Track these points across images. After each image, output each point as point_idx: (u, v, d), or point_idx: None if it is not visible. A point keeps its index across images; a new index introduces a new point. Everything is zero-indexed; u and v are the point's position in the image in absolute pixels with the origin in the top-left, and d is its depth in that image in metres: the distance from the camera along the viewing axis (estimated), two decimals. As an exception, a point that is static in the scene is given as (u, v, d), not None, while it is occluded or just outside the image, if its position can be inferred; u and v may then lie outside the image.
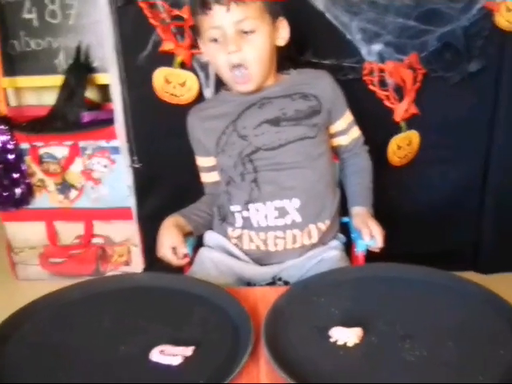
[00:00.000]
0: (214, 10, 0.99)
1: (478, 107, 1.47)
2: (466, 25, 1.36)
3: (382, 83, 1.41)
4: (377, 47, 1.38)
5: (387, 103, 1.41)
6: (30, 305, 0.79)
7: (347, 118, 1.15)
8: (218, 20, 1.00)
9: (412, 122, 1.45)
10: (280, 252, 1.04)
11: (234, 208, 1.07)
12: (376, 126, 1.38)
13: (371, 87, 1.40)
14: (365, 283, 0.83)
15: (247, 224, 1.06)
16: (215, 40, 1.02)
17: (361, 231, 1.04)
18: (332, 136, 1.15)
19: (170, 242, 1.01)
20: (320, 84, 1.11)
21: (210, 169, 1.17)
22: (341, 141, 1.16)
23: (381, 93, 1.40)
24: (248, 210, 1.05)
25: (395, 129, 1.45)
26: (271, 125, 1.06)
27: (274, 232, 1.03)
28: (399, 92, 1.42)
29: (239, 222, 1.07)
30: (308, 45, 1.38)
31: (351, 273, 0.89)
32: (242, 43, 1.00)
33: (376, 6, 1.36)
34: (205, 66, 1.41)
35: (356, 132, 1.18)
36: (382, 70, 1.39)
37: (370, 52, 1.38)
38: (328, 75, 1.14)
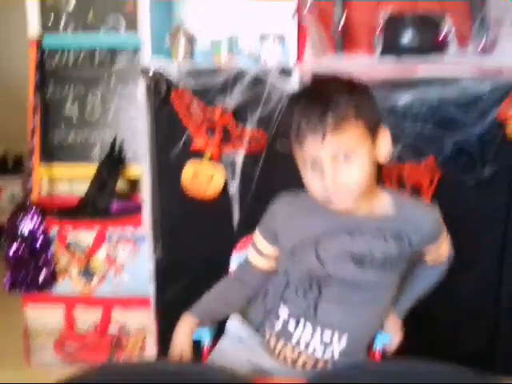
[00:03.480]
0: (309, 140, 0.98)
1: (493, 210, 1.59)
2: (480, 132, 1.52)
3: (400, 184, 1.56)
4: (395, 149, 1.56)
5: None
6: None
7: (440, 245, 1.15)
8: (314, 150, 0.98)
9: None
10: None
11: (283, 312, 1.09)
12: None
13: (389, 187, 1.54)
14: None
15: (287, 334, 1.08)
16: (311, 167, 1.01)
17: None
18: (420, 255, 1.16)
19: (180, 350, 1.07)
20: (423, 227, 1.08)
21: (266, 256, 1.17)
22: (423, 256, 1.17)
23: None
24: (296, 322, 1.07)
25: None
26: (354, 261, 1.04)
27: (309, 356, 1.06)
28: (416, 193, 1.55)
29: (279, 326, 1.09)
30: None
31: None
32: (338, 170, 0.98)
33: (395, 113, 1.54)
34: (232, 163, 1.59)
35: (445, 253, 1.19)
36: (400, 171, 1.55)
37: (389, 154, 1.55)
38: (435, 213, 1.11)
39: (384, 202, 1.09)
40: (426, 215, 1.09)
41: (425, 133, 1.54)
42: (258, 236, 1.19)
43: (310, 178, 1.02)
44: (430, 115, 1.53)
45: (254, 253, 1.19)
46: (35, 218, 1.75)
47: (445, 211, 1.56)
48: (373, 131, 1.01)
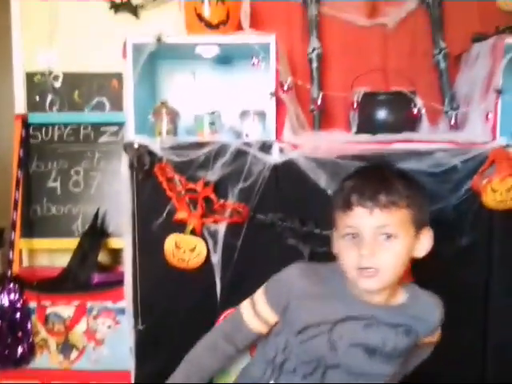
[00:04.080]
0: (356, 211, 1.03)
1: (473, 279, 1.62)
2: (456, 203, 1.58)
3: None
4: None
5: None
6: None
7: (436, 336, 1.19)
8: (359, 221, 1.03)
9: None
10: None
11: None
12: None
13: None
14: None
15: None
16: (350, 237, 1.05)
17: None
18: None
19: None
20: (430, 322, 1.13)
21: (264, 320, 1.15)
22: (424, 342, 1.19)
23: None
24: None
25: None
26: (366, 352, 1.06)
27: None
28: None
29: None
30: (311, 217, 1.61)
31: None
32: (377, 248, 1.02)
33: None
34: (214, 234, 1.61)
35: (438, 337, 1.21)
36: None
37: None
38: (441, 307, 1.15)
39: (401, 294, 1.13)
40: (435, 310, 1.14)
41: (402, 204, 1.60)
42: (260, 297, 1.16)
43: (345, 247, 1.06)
44: (406, 187, 1.59)
45: (251, 313, 1.16)
46: (14, 291, 1.73)
47: (424, 282, 1.61)
48: (418, 226, 1.07)
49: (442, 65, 1.91)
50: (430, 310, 1.13)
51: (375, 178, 1.06)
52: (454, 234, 1.59)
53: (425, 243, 1.10)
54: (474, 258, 1.62)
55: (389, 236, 1.02)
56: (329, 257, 1.54)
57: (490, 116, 1.65)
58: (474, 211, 1.59)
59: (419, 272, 1.57)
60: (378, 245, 1.02)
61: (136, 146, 1.62)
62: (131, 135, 1.67)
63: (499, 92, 1.64)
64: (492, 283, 1.64)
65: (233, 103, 1.85)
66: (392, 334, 1.07)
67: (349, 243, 1.05)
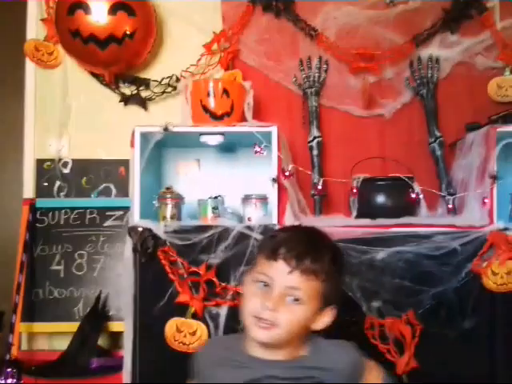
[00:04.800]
0: (279, 264, 1.06)
1: (477, 362, 1.61)
2: (457, 286, 1.61)
3: (383, 337, 1.59)
4: (376, 304, 1.61)
5: (388, 357, 1.57)
6: None
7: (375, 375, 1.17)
8: (276, 275, 1.06)
9: (413, 376, 1.58)
10: None
11: None
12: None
13: (372, 341, 1.58)
14: None
15: None
16: (262, 284, 1.08)
17: None
18: None
19: None
20: (336, 368, 1.11)
21: None
22: None
23: (382, 346, 1.58)
24: None
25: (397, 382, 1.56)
26: None
27: None
28: (400, 346, 1.59)
29: None
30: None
31: None
32: (281, 306, 1.05)
33: (374, 268, 1.64)
34: (215, 317, 1.63)
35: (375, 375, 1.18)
36: (382, 325, 1.60)
37: (369, 308, 1.61)
38: (349, 349, 1.16)
39: (303, 348, 1.14)
40: (341, 357, 1.13)
41: (404, 287, 1.62)
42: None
43: (253, 292, 1.09)
44: (407, 270, 1.62)
45: None
46: (12, 376, 1.72)
47: (429, 364, 1.61)
48: (326, 302, 1.10)
49: (438, 152, 2.02)
50: (335, 358, 1.13)
51: (309, 242, 1.11)
52: (457, 316, 1.61)
53: (325, 319, 1.12)
54: (477, 340, 1.62)
55: (296, 299, 1.06)
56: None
57: (487, 200, 1.72)
58: (475, 294, 1.61)
59: (422, 354, 1.59)
60: (283, 303, 1.06)
61: (140, 229, 1.68)
62: (136, 219, 1.73)
63: (495, 178, 1.71)
64: (496, 366, 1.63)
65: (236, 189, 1.92)
66: None
67: (258, 290, 1.09)
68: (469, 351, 1.61)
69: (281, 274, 1.07)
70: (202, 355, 1.20)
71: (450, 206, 1.90)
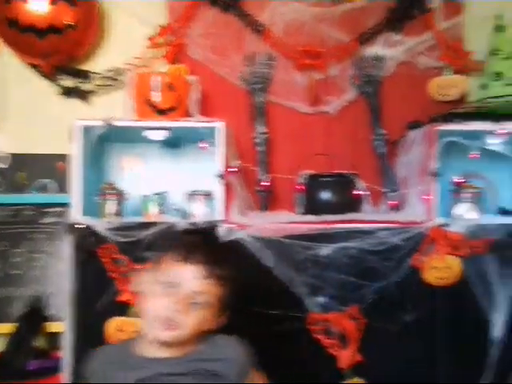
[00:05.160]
0: (189, 267, 1.14)
1: (418, 354, 1.67)
2: (399, 280, 1.65)
3: (327, 332, 1.62)
4: (320, 299, 1.64)
5: (332, 351, 1.60)
6: None
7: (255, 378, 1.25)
8: (185, 277, 1.13)
9: (357, 369, 1.62)
10: None
11: None
12: (322, 374, 1.58)
13: (316, 336, 1.61)
14: None
15: None
16: (168, 285, 1.13)
17: None
18: None
19: None
20: (228, 358, 1.19)
21: None
22: None
23: (325, 341, 1.61)
24: None
25: (341, 376, 1.61)
26: None
27: None
28: (343, 340, 1.62)
29: None
30: (257, 296, 1.64)
31: None
32: (187, 308, 1.13)
33: (319, 264, 1.66)
34: (159, 315, 1.62)
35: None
36: (326, 320, 1.62)
37: (314, 304, 1.64)
38: (236, 344, 1.24)
39: (196, 343, 1.20)
40: (233, 348, 1.22)
41: (347, 282, 1.65)
42: None
43: (159, 293, 1.13)
44: (351, 265, 1.66)
45: None
46: None
47: (372, 358, 1.65)
48: (223, 307, 1.20)
49: (381, 149, 2.06)
50: (227, 349, 1.21)
51: (216, 248, 1.24)
52: (398, 310, 1.66)
53: (222, 320, 1.22)
54: (418, 333, 1.67)
55: (200, 303, 1.14)
56: (277, 336, 1.59)
57: (428, 197, 1.77)
58: (416, 288, 1.67)
59: (366, 347, 1.62)
60: (188, 306, 1.13)
61: (80, 226, 1.64)
62: (76, 216, 1.69)
63: (435, 175, 1.77)
64: (436, 358, 1.68)
65: (181, 185, 1.91)
66: (190, 380, 1.13)
67: (164, 290, 1.13)
68: (410, 343, 1.67)
69: (188, 278, 1.14)
70: (93, 362, 1.23)
71: (393, 202, 1.96)
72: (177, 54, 2.11)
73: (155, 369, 1.14)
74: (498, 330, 1.67)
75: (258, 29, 2.13)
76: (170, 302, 1.13)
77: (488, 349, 1.67)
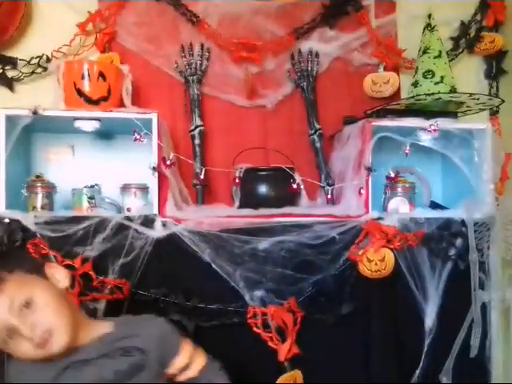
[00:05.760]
0: None
1: (354, 345, 1.73)
2: (335, 273, 1.70)
3: (266, 326, 1.64)
4: (259, 293, 1.65)
5: (271, 344, 1.63)
6: None
7: (186, 351, 1.24)
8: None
9: (295, 362, 1.65)
10: None
11: None
12: (261, 367, 1.61)
13: (255, 329, 1.63)
14: None
15: None
16: (9, 336, 1.05)
17: None
18: (175, 374, 1.23)
19: None
20: (144, 333, 1.19)
21: None
22: (187, 374, 1.25)
23: (264, 335, 1.62)
24: None
25: (280, 369, 1.64)
26: None
27: None
28: (282, 333, 1.64)
29: None
30: (195, 291, 1.64)
31: None
32: (31, 320, 1.05)
33: (256, 258, 1.67)
34: (92, 312, 1.53)
35: (202, 360, 1.26)
36: (264, 314, 1.64)
37: (252, 297, 1.65)
38: (154, 319, 1.25)
39: (105, 327, 1.20)
40: (148, 324, 1.22)
41: (285, 276, 1.68)
42: None
43: (15, 347, 1.06)
44: (289, 259, 1.69)
45: None
46: None
47: (310, 350, 1.69)
48: (37, 273, 1.14)
49: (318, 144, 2.11)
50: (141, 325, 1.21)
51: None
52: (335, 302, 1.71)
53: (57, 277, 1.19)
54: (354, 324, 1.73)
55: (28, 304, 1.08)
56: (216, 331, 1.59)
57: (363, 191, 1.83)
58: (352, 281, 1.72)
59: (303, 340, 1.66)
60: (31, 320, 1.06)
61: (6, 221, 1.57)
62: (1, 210, 1.61)
63: (370, 169, 1.83)
64: (371, 348, 1.74)
65: (114, 177, 1.87)
66: (107, 363, 1.12)
67: (14, 342, 1.08)
68: (346, 335, 1.72)
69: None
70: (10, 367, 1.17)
71: (329, 196, 2.01)
72: (108, 42, 2.05)
73: (70, 359, 1.11)
74: (430, 320, 1.76)
75: (192, 19, 2.11)
76: (27, 342, 1.06)
77: (422, 338, 1.76)
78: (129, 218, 1.63)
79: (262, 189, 1.91)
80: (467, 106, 1.99)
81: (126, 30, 2.07)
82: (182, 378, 1.25)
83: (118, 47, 2.06)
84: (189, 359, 1.24)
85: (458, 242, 1.81)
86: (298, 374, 1.66)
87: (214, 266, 1.64)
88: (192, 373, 1.25)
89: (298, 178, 1.92)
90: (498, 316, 1.91)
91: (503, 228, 1.90)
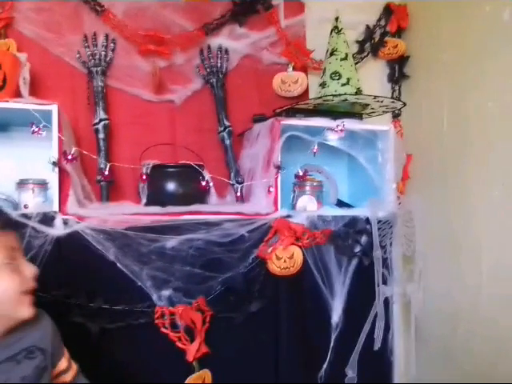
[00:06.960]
0: None
1: (263, 343, 1.77)
2: (244, 271, 1.73)
3: (174, 326, 1.63)
4: (166, 292, 1.64)
5: (179, 344, 1.63)
6: None
7: (66, 354, 1.27)
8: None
9: (204, 361, 1.66)
10: None
11: None
12: (169, 368, 1.60)
13: (163, 330, 1.62)
14: None
15: None
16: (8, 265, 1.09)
17: None
18: (56, 376, 1.24)
19: None
20: (41, 329, 1.19)
21: None
22: (65, 378, 1.26)
23: (172, 335, 1.62)
24: None
25: (188, 369, 1.64)
26: None
27: None
28: (190, 333, 1.65)
29: None
30: (99, 292, 1.59)
31: None
32: None
33: (164, 256, 1.66)
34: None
35: (75, 365, 1.30)
36: (172, 314, 1.63)
37: (160, 297, 1.63)
38: (45, 315, 1.24)
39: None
40: (41, 318, 1.22)
41: (194, 274, 1.68)
42: None
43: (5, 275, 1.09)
44: (197, 257, 1.69)
45: None
46: None
47: (219, 348, 1.70)
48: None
49: (227, 141, 2.12)
50: (38, 320, 1.20)
51: None
52: (244, 300, 1.73)
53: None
54: (263, 321, 1.77)
55: None
56: (123, 333, 1.56)
57: (272, 189, 1.87)
58: (261, 278, 1.76)
59: (212, 339, 1.66)
60: None
61: None
62: None
63: (279, 168, 1.87)
64: (280, 344, 1.79)
65: (9, 172, 1.79)
66: (13, 367, 1.11)
67: (7, 270, 1.11)
68: (256, 332, 1.76)
69: None
70: None
71: (239, 194, 2.03)
72: (4, 28, 1.95)
73: None
74: (336, 315, 1.83)
75: (96, 8, 2.05)
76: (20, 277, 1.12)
77: (329, 334, 1.83)
78: (26, 216, 1.56)
79: (170, 186, 1.90)
80: (372, 108, 2.09)
81: (24, 15, 1.98)
82: (61, 381, 1.26)
83: (15, 34, 1.96)
84: (68, 362, 1.27)
85: (363, 239, 1.91)
86: (206, 374, 1.68)
87: (119, 265, 1.61)
88: (69, 377, 1.27)
89: (206, 175, 1.93)
90: (399, 309, 2.03)
91: (404, 225, 2.02)
